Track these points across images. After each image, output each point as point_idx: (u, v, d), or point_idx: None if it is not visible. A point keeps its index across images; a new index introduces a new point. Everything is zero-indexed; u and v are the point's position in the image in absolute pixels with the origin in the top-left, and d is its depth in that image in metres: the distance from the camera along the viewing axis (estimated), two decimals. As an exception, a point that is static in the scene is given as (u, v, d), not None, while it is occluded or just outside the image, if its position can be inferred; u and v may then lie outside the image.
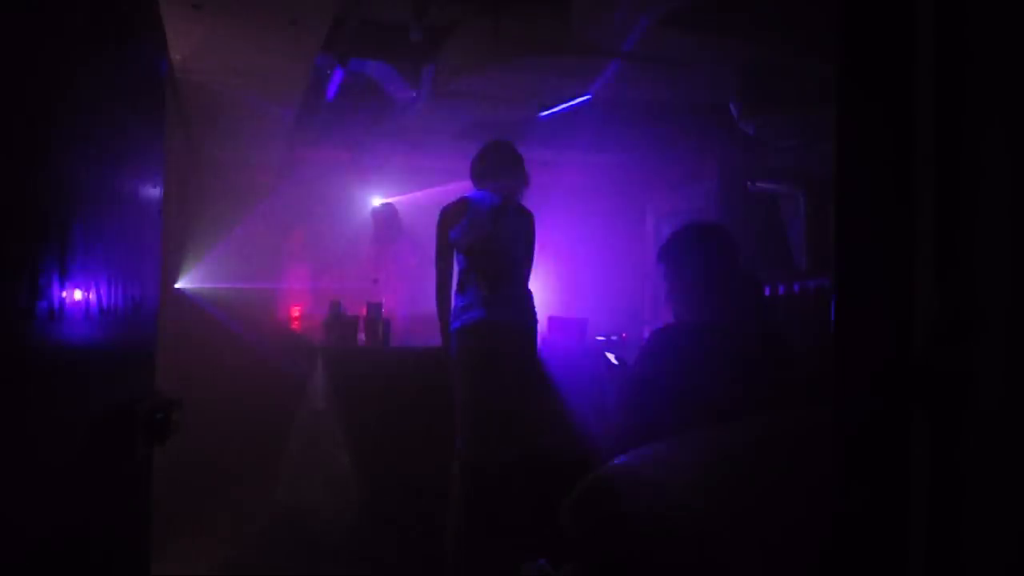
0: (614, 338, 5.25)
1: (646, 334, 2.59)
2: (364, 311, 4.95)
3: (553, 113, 5.74)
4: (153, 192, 1.83)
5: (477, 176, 4.02)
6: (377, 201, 7.72)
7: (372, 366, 4.53)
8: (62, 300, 1.13)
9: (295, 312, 6.49)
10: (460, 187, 7.10)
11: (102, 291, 1.36)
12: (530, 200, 4.07)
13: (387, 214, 6.69)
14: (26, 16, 1.00)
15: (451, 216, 3.90)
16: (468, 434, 3.58)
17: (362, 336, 4.78)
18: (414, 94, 5.75)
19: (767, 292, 5.33)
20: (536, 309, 3.92)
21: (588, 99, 5.53)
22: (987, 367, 1.01)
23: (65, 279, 1.15)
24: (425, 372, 4.33)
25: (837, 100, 1.20)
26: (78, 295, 1.22)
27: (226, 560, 3.82)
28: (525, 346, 3.81)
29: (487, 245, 3.81)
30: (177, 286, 6.70)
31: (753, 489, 1.71)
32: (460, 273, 3.87)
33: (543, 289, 4.53)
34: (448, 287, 3.87)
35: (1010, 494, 0.98)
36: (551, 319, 5.04)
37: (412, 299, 5.89)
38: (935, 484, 1.05)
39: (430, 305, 3.95)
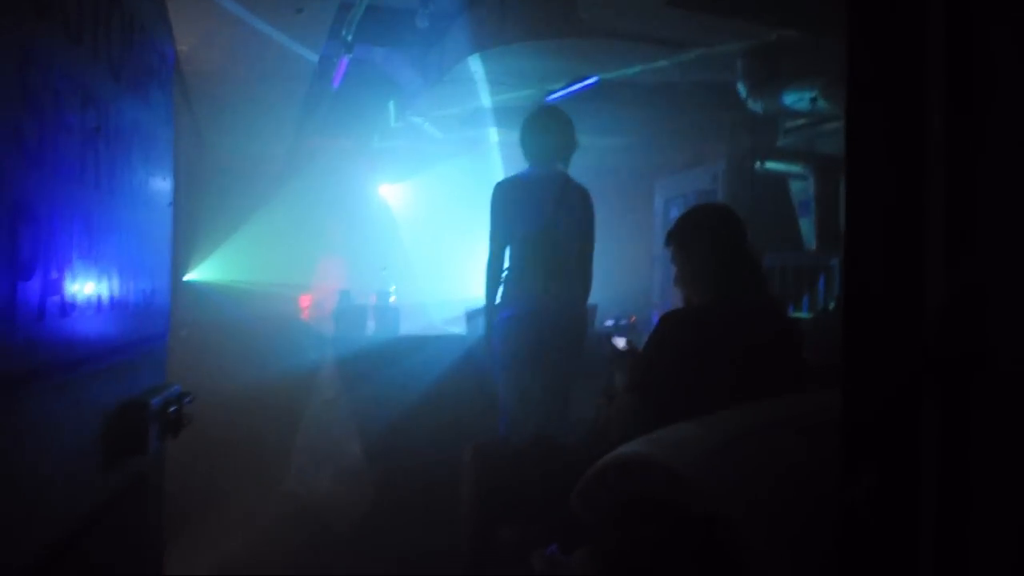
0: (623, 322, 5.24)
1: (655, 318, 2.58)
2: (373, 299, 4.96)
3: (560, 96, 5.71)
4: (163, 185, 1.84)
5: (533, 151, 3.71)
6: (385, 187, 7.72)
7: (382, 355, 4.54)
8: (74, 295, 1.14)
9: (305, 302, 6.50)
10: (464, 169, 7.09)
11: (114, 285, 1.36)
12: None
13: None
14: (31, 9, 1.00)
15: (508, 196, 3.64)
16: (510, 421, 3.59)
17: (372, 324, 4.79)
18: (421, 80, 5.73)
19: (777, 273, 5.31)
20: (590, 293, 3.76)
21: (595, 82, 5.51)
22: (997, 349, 1.00)
23: (77, 274, 1.15)
24: (435, 360, 4.35)
25: (848, 79, 1.18)
26: (90, 290, 1.23)
27: (238, 551, 3.85)
28: (574, 339, 3.66)
29: (546, 235, 3.58)
30: (186, 278, 6.72)
31: (766, 473, 1.71)
32: (513, 259, 3.63)
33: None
34: (500, 271, 3.64)
35: (1020, 478, 0.98)
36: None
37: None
38: (945, 467, 1.05)
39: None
